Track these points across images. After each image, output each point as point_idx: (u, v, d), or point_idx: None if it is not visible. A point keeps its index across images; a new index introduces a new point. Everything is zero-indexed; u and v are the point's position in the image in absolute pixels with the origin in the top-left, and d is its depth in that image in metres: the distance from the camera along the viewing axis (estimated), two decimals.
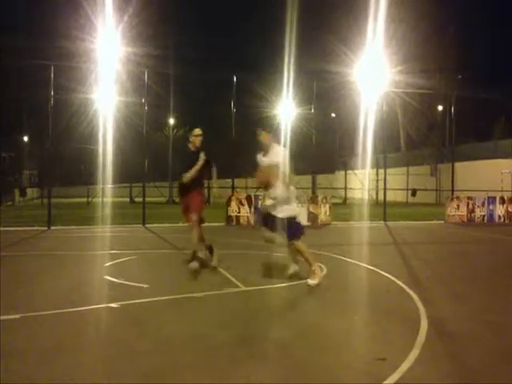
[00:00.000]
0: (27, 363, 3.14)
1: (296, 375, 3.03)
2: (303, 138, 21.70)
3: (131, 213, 16.94)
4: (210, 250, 6.70)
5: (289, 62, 17.40)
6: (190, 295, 4.97)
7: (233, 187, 14.91)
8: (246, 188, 20.19)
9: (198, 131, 6.46)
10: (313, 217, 13.71)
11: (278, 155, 5.56)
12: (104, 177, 24.03)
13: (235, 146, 15.93)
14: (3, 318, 4.06)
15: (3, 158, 27.18)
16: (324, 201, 14.08)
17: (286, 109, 20.27)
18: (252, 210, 13.43)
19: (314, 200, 14.03)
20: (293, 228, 5.55)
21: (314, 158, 22.05)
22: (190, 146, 6.45)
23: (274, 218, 5.56)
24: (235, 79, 14.62)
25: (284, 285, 5.60)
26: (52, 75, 12.94)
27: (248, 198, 13.62)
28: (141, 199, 17.81)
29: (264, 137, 5.69)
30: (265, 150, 5.73)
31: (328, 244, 9.78)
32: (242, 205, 13.54)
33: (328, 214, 14.06)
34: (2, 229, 12.06)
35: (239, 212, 13.52)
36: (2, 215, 14.55)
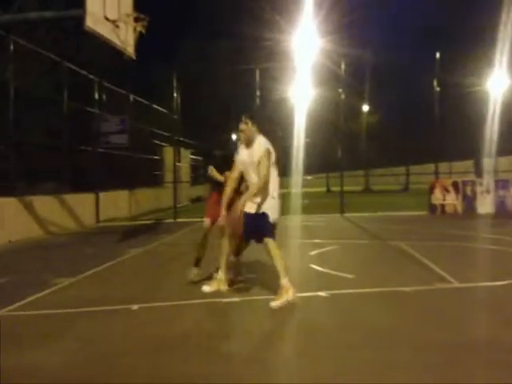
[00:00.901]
0: (239, 342, 3.42)
1: None
2: None
3: (329, 202, 17.29)
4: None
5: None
6: (399, 289, 4.77)
7: (436, 173, 13.85)
8: (451, 173, 18.55)
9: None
10: None
11: (261, 150, 4.48)
12: (301, 168, 25.07)
13: (440, 127, 14.70)
14: (225, 300, 4.52)
15: (213, 155, 30.46)
16: None
17: (496, 82, 17.90)
18: (460, 197, 12.29)
19: None
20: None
21: None
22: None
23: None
24: (438, 56, 13.47)
25: (504, 283, 4.94)
26: (257, 77, 13.98)
27: (454, 184, 12.51)
28: (337, 188, 18.01)
29: (247, 126, 4.56)
30: (247, 142, 4.61)
31: None
32: (448, 192, 12.50)
33: None
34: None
35: (444, 200, 12.52)
36: None
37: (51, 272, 6.23)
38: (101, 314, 4.31)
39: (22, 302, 4.66)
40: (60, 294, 5.06)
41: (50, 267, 6.67)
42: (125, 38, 8.30)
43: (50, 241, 9.88)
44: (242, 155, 4.64)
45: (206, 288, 4.89)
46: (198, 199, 22.73)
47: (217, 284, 4.92)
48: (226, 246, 5.01)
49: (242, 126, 4.61)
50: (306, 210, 15.11)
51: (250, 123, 4.58)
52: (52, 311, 4.39)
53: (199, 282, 5.12)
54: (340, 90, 14.48)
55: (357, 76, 24.24)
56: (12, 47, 10.47)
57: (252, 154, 4.52)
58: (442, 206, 12.54)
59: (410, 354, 3.13)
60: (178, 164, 15.68)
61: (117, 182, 15.58)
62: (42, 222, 10.81)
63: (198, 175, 24.74)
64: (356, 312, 4.13)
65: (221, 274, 4.96)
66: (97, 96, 14.71)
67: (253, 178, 4.53)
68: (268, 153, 4.47)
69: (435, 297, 4.59)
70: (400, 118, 28.82)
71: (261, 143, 4.51)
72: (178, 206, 14.42)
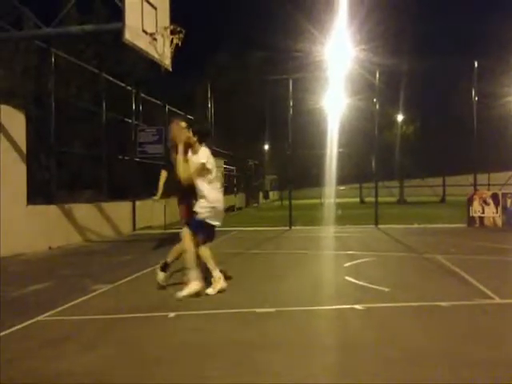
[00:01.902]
0: (283, 355, 3.42)
1: None
2: None
3: (362, 213, 17.09)
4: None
5: None
6: (435, 303, 4.66)
7: (474, 184, 13.47)
8: (489, 185, 18.00)
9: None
10: None
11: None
12: (334, 178, 24.90)
13: (478, 137, 14.29)
14: (260, 310, 4.54)
15: (250, 165, 30.74)
16: None
17: None
18: (499, 209, 11.92)
19: None
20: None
21: None
22: None
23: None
24: (476, 65, 13.16)
25: None
26: (290, 88, 14.05)
27: (494, 196, 12.14)
28: (370, 199, 17.76)
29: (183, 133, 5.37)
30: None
31: None
32: (487, 204, 12.14)
33: None
34: (251, 228, 13.67)
35: (483, 212, 12.16)
36: (250, 216, 16.49)
37: (90, 278, 6.41)
38: (138, 320, 4.39)
39: (62, 308, 4.81)
40: (99, 300, 5.19)
41: (88, 273, 6.86)
42: (162, 51, 8.52)
43: (88, 248, 10.16)
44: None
45: (210, 291, 5.17)
46: (231, 208, 22.90)
47: (217, 283, 5.22)
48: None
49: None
50: (340, 220, 14.97)
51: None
52: (91, 317, 4.51)
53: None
54: (375, 100, 14.33)
55: (392, 85, 23.94)
56: (53, 59, 10.89)
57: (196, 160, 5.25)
58: (481, 218, 12.18)
59: (448, 371, 3.05)
60: None
61: (153, 190, 15.86)
62: (81, 229, 11.14)
63: (232, 184, 24.95)
64: (393, 326, 4.06)
65: (216, 274, 5.25)
66: (134, 107, 15.10)
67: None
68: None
69: (475, 313, 4.45)
70: (436, 128, 28.25)
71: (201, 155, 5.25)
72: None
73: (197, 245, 5.25)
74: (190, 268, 5.07)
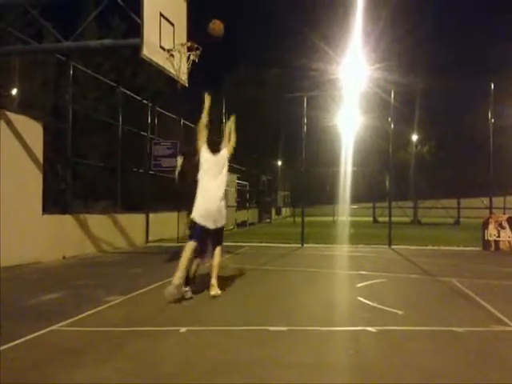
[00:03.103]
0: (295, 375, 3.39)
1: None
2: None
3: (375, 232, 16.95)
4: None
5: None
6: (450, 329, 4.58)
7: (490, 207, 13.33)
8: (505, 208, 17.80)
9: None
10: None
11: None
12: (347, 196, 24.83)
13: (494, 160, 14.17)
14: (273, 328, 4.51)
15: (263, 181, 30.80)
16: None
17: None
18: None
19: None
20: None
21: None
22: None
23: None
24: (492, 87, 13.11)
25: None
26: (305, 105, 14.14)
27: (510, 220, 11.98)
28: (384, 219, 17.63)
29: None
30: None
31: None
32: (503, 228, 11.98)
33: None
34: (263, 244, 13.63)
35: (499, 236, 11.99)
36: (262, 231, 16.46)
37: (103, 289, 6.44)
38: (150, 334, 4.39)
39: (75, 318, 4.84)
40: (111, 312, 5.21)
41: (101, 284, 6.90)
42: (179, 67, 8.64)
43: (102, 258, 10.23)
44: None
45: (215, 293, 5.82)
46: (243, 223, 22.89)
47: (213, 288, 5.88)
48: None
49: None
50: (353, 239, 14.87)
51: None
52: (104, 329, 4.52)
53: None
54: (389, 119, 14.33)
55: (407, 105, 23.97)
56: (71, 72, 11.12)
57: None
58: (497, 242, 12.01)
59: None
60: (226, 188, 15.87)
61: (166, 203, 15.98)
62: (95, 240, 11.22)
63: (244, 200, 24.97)
64: (406, 350, 4.00)
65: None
66: (149, 120, 15.29)
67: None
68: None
69: (490, 339, 4.36)
70: (452, 148, 28.10)
71: None
72: (224, 229, 14.55)
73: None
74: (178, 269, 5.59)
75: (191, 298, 5.79)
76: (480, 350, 4.03)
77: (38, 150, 9.45)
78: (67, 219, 10.39)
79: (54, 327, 4.48)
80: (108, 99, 16.41)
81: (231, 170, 22.55)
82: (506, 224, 11.97)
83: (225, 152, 6.20)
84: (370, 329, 4.53)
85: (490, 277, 7.95)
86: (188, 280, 5.87)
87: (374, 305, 5.59)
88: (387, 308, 5.40)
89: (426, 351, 3.98)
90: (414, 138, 31.64)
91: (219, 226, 6.06)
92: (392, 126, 14.25)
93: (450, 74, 31.74)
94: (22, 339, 4.08)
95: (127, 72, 22.60)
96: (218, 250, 6.10)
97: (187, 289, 5.82)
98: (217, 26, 8.30)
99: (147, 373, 3.38)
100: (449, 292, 6.60)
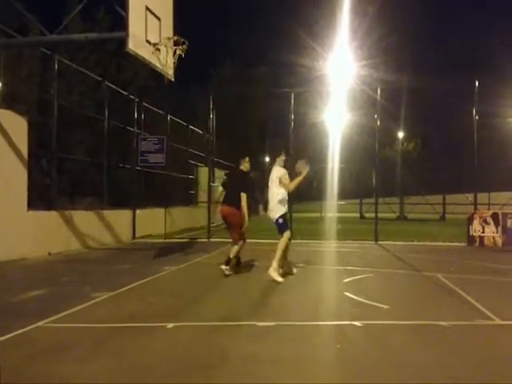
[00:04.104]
0: (282, 369, 3.40)
1: None
2: None
3: (362, 228, 17.07)
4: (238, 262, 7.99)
5: None
6: (436, 323, 4.64)
7: (475, 203, 13.50)
8: (489, 204, 18.02)
9: (247, 159, 7.86)
10: None
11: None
12: (335, 193, 24.95)
13: (479, 157, 14.31)
14: (260, 324, 4.52)
15: (250, 177, 30.70)
16: None
17: None
18: (499, 229, 11.93)
19: None
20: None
21: None
22: (244, 169, 7.81)
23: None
24: (477, 84, 13.25)
25: None
26: (292, 101, 14.15)
27: (494, 216, 12.16)
28: (370, 215, 17.74)
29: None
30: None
31: None
32: (487, 224, 12.15)
33: None
34: (250, 240, 13.61)
35: (483, 232, 12.16)
36: (249, 227, 16.40)
37: (89, 285, 6.40)
38: (137, 330, 4.37)
39: (62, 314, 4.80)
40: (97, 308, 5.17)
41: (88, 281, 6.85)
42: (165, 61, 8.57)
43: (88, 255, 10.14)
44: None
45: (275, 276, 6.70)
46: None
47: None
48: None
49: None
50: (340, 235, 14.96)
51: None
52: (90, 325, 4.49)
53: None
54: (376, 116, 14.41)
55: (393, 102, 24.11)
56: (56, 66, 10.97)
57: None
58: (481, 238, 12.18)
59: None
60: (212, 184, 15.85)
61: (153, 199, 15.90)
62: (81, 236, 11.12)
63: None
64: (392, 344, 4.04)
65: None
66: (136, 115, 15.17)
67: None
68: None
69: (475, 333, 4.43)
70: (437, 145, 28.37)
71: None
72: (211, 225, 14.55)
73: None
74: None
75: (230, 274, 7.17)
76: (464, 344, 4.09)
77: (23, 145, 9.31)
78: (53, 215, 10.28)
79: (39, 324, 4.43)
80: (94, 94, 16.21)
81: (219, 166, 22.53)
82: (490, 220, 12.14)
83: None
84: (356, 323, 4.56)
85: (474, 272, 8.07)
86: (228, 260, 7.27)
87: (361, 300, 5.64)
88: (373, 303, 5.45)
89: (412, 345, 4.03)
90: (401, 135, 31.89)
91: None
92: (378, 123, 14.34)
93: (436, 72, 32.05)
94: (7, 336, 4.03)
95: (113, 66, 22.36)
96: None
97: (228, 267, 7.18)
98: None
99: (132, 370, 3.37)
100: (434, 287, 6.69)
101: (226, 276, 7.15)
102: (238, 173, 7.90)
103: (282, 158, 7.26)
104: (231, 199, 7.51)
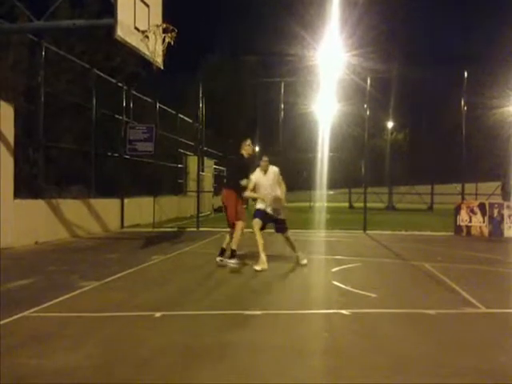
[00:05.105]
0: (269, 358, 3.41)
1: None
2: None
3: (351, 218, 17.16)
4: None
5: None
6: (422, 311, 4.69)
7: (462, 194, 13.63)
8: (477, 195, 18.22)
9: (249, 141, 7.55)
10: None
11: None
12: (324, 182, 24.99)
13: (467, 147, 14.41)
14: (247, 313, 4.53)
15: (246, 161, 30.62)
16: None
17: None
18: (486, 219, 12.07)
19: None
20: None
21: None
22: (244, 153, 7.49)
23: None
24: (466, 74, 13.29)
25: None
26: (282, 91, 14.10)
27: (481, 206, 12.29)
28: (359, 204, 17.83)
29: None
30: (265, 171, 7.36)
31: None
32: (474, 213, 12.28)
33: None
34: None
35: (470, 222, 12.30)
36: None
37: (77, 275, 6.35)
38: (124, 319, 4.36)
39: (48, 304, 4.76)
40: (85, 298, 5.14)
41: (75, 270, 6.80)
42: (154, 49, 8.47)
43: (75, 244, 10.07)
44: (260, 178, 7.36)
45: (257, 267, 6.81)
46: (220, 209, 22.82)
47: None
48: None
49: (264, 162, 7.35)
50: (328, 225, 15.02)
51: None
52: (77, 314, 4.46)
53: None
54: (365, 106, 14.41)
55: (383, 91, 24.14)
56: (43, 53, 10.78)
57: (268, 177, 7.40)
58: (468, 227, 12.32)
59: (434, 379, 3.08)
60: (201, 173, 15.79)
61: (142, 188, 15.81)
62: (69, 225, 11.03)
63: (221, 185, 24.87)
64: (379, 333, 4.07)
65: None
66: (124, 103, 15.00)
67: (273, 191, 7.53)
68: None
69: (461, 321, 4.49)
70: (426, 136, 28.52)
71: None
72: (200, 214, 14.51)
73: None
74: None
75: (240, 265, 7.12)
76: (451, 332, 4.14)
77: (9, 132, 9.17)
78: (40, 204, 10.17)
79: (26, 313, 4.40)
80: (82, 81, 15.98)
81: (209, 155, 22.40)
82: (477, 210, 12.27)
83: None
84: (344, 312, 4.60)
85: (461, 261, 8.16)
86: (222, 251, 7.33)
87: (349, 288, 5.68)
88: (361, 291, 5.49)
89: (399, 333, 4.07)
90: (390, 124, 31.99)
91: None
92: (368, 112, 14.36)
93: (426, 61, 32.09)
94: None
95: (101, 54, 22.04)
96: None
97: (234, 260, 7.08)
98: None
99: (120, 359, 3.35)
100: (421, 276, 6.75)
101: (237, 270, 6.91)
102: (236, 158, 7.67)
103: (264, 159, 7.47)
104: (228, 183, 7.67)
